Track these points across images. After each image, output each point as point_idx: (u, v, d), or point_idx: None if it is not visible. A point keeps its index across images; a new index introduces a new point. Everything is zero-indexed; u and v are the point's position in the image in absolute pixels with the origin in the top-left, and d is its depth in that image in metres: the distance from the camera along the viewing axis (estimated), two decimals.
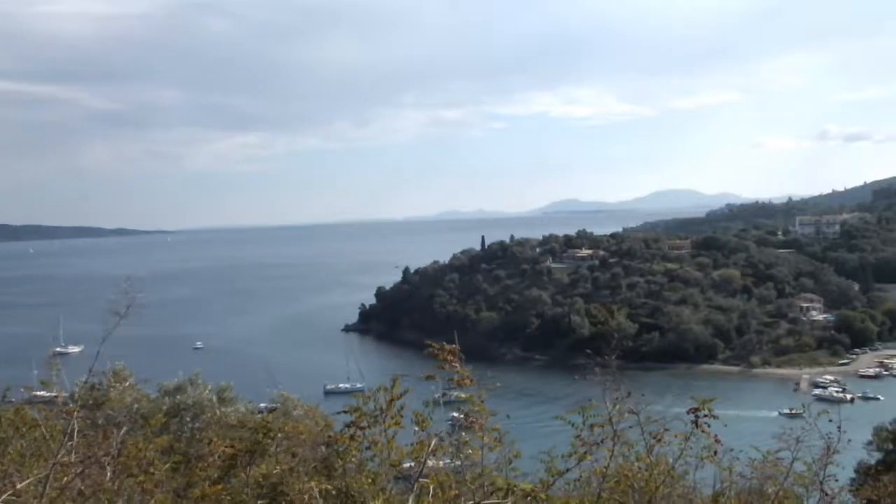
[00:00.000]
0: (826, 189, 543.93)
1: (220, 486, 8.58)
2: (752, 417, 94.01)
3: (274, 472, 8.50)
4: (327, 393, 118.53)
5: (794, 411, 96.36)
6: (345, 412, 7.97)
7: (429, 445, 7.38)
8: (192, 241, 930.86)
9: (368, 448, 7.90)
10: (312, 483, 7.74)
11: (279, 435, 9.46)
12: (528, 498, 6.87)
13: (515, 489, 6.80)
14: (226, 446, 9.28)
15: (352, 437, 7.91)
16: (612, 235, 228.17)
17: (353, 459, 8.12)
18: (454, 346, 8.05)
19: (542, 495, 6.98)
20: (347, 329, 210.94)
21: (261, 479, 8.51)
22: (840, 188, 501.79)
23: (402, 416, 7.65)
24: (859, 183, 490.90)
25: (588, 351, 9.15)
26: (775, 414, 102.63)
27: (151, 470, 8.73)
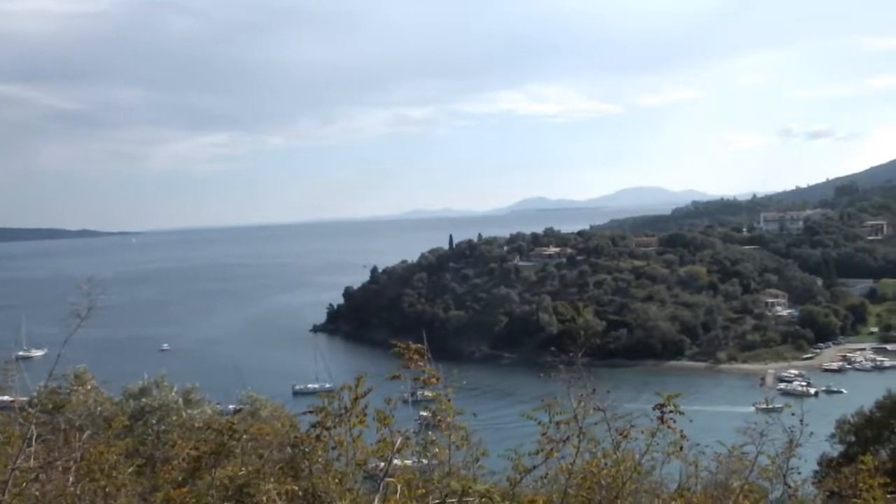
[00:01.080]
0: (790, 186, 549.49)
1: (184, 489, 8.49)
2: (719, 413, 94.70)
3: (240, 473, 8.42)
4: (296, 393, 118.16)
5: (769, 406, 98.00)
6: (310, 412, 7.94)
7: (394, 444, 7.37)
8: (158, 242, 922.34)
9: (335, 448, 7.86)
10: (269, 485, 7.68)
11: (244, 436, 9.38)
12: (484, 499, 6.84)
13: (471, 491, 6.75)
14: (190, 448, 9.19)
15: (317, 438, 7.88)
16: (580, 233, 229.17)
17: (319, 460, 8.06)
18: (420, 345, 8.06)
19: (497, 496, 6.96)
20: (315, 329, 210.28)
21: (226, 482, 8.44)
22: (803, 185, 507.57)
23: (366, 415, 7.63)
24: (822, 179, 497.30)
25: (552, 348, 9.19)
26: (742, 409, 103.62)
27: (114, 474, 8.63)
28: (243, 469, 8.52)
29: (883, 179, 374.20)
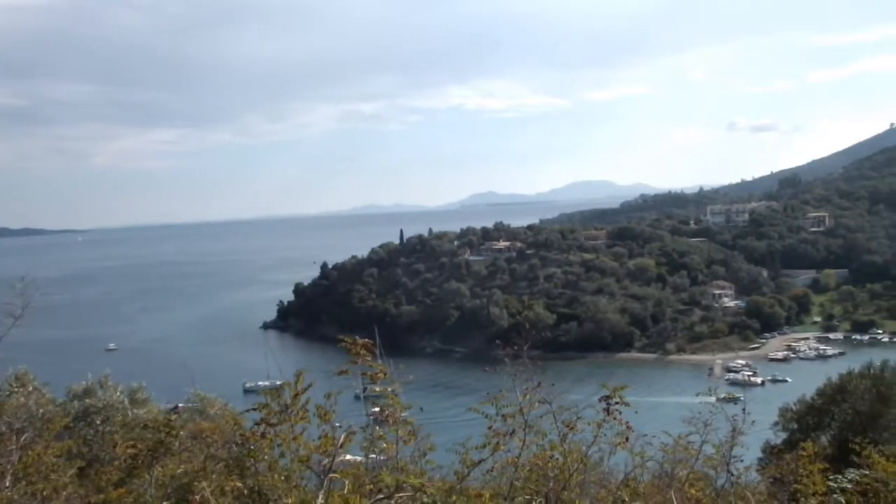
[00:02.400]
0: (735, 178, 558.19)
1: (122, 490, 8.34)
2: (668, 403, 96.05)
3: (179, 471, 8.29)
4: (247, 391, 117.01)
5: (713, 395, 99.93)
6: (254, 409, 7.85)
7: (337, 439, 7.31)
8: (105, 240, 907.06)
9: (280, 445, 7.78)
10: (204, 483, 7.57)
11: (182, 433, 9.24)
12: (418, 493, 6.82)
13: (405, 485, 6.72)
14: (128, 447, 9.02)
15: (262, 435, 7.79)
16: (529, 227, 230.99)
17: (264, 457, 7.97)
18: (367, 340, 8.01)
19: (431, 490, 6.95)
20: (266, 326, 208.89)
21: (167, 480, 8.31)
22: (748, 178, 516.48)
23: (307, 411, 7.56)
24: (766, 172, 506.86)
25: (497, 342, 9.19)
26: (691, 399, 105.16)
27: (52, 476, 8.43)
28: (182, 467, 8.39)
29: (824, 172, 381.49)
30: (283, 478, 7.71)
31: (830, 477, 10.35)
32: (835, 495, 9.79)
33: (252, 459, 8.02)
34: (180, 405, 20.33)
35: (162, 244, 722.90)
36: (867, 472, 10.29)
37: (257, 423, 7.79)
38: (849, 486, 9.85)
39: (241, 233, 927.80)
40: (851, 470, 10.60)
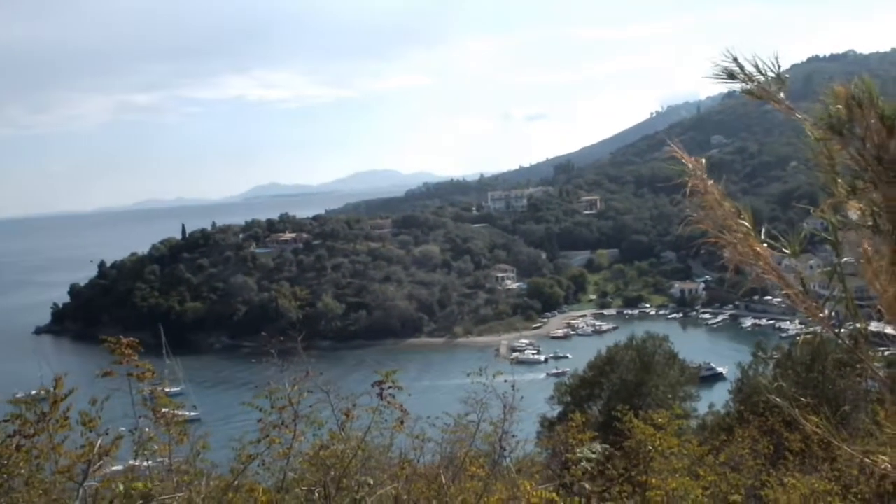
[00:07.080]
0: (514, 165, 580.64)
1: None
2: (455, 385, 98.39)
3: None
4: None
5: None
6: (6, 421, 7.31)
7: (101, 445, 6.94)
8: None
9: (37, 458, 7.29)
10: None
11: None
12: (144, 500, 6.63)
13: (133, 493, 6.53)
14: None
15: (17, 448, 7.27)
16: (315, 218, 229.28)
17: (21, 472, 7.44)
18: (133, 339, 7.65)
19: (159, 495, 6.79)
20: (39, 331, 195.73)
21: None
22: (526, 164, 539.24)
23: (67, 419, 7.12)
24: (542, 159, 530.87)
25: (264, 334, 9.08)
26: (477, 380, 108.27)
27: None
28: None
29: (594, 158, 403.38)
30: (41, 492, 7.25)
31: (577, 450, 10.94)
32: (582, 463, 10.33)
33: (6, 475, 7.49)
34: None
35: None
36: (629, 439, 10.97)
37: (10, 436, 7.27)
38: (593, 456, 10.40)
39: (5, 232, 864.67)
40: (599, 444, 11.22)
